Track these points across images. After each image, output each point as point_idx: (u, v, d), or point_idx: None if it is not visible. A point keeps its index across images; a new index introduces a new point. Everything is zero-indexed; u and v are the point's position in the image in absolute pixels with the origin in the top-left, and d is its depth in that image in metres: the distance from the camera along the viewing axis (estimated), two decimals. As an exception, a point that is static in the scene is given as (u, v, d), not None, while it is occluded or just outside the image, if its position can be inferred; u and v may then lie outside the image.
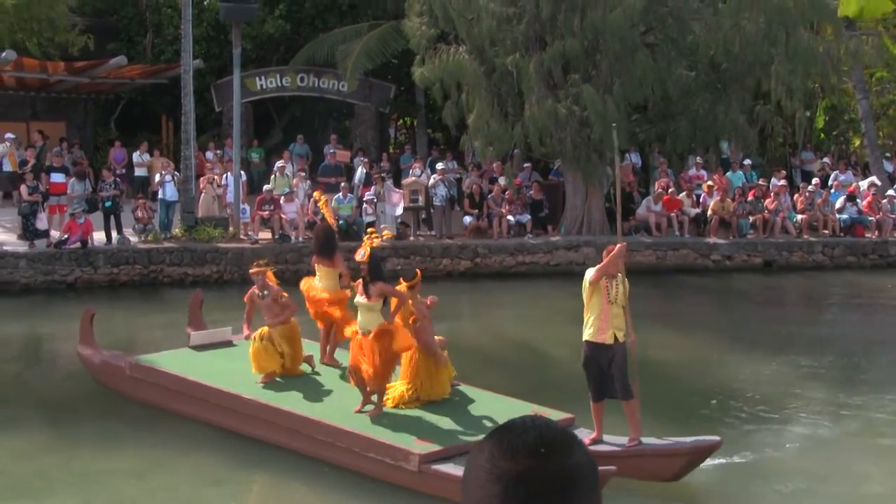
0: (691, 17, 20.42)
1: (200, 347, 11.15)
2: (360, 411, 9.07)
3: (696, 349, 14.19)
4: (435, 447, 8.31)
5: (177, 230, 18.95)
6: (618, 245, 8.50)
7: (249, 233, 19.25)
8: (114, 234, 18.34)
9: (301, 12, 25.76)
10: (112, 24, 25.94)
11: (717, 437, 8.45)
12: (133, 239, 18.49)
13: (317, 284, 10.50)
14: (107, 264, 17.73)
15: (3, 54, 20.21)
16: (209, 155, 23.05)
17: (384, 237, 9.83)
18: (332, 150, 23.09)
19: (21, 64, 21.27)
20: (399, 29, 22.49)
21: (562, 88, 19.97)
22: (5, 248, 17.64)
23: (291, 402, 9.49)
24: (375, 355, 8.85)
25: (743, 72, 20.60)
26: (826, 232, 21.36)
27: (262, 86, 25.35)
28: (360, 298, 9.09)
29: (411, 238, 20.08)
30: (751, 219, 21.09)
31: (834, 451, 9.86)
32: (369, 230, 9.78)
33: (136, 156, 22.63)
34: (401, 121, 30.85)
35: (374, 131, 26.82)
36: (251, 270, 10.79)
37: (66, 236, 17.71)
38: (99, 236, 18.15)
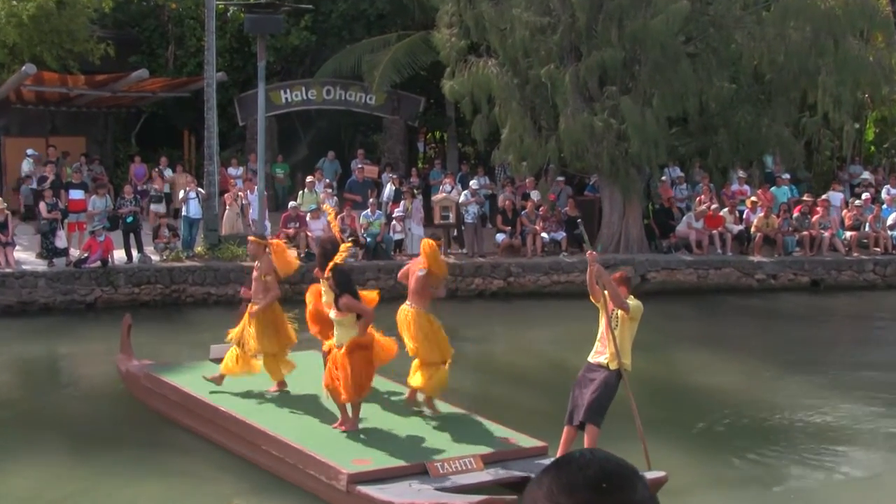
0: (734, 26, 19.69)
1: (219, 360, 11.25)
2: (338, 427, 9.12)
3: (739, 373, 13.62)
4: (367, 467, 8.15)
5: (199, 248, 18.38)
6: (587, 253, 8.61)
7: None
8: (134, 253, 17.79)
9: (327, 23, 25.17)
10: (133, 36, 25.46)
11: (663, 472, 8.04)
12: (154, 257, 17.92)
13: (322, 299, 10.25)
14: (128, 284, 17.20)
15: (24, 68, 19.80)
16: (232, 171, 22.52)
17: (347, 248, 9.68)
18: (359, 166, 22.46)
19: (41, 78, 20.78)
20: (428, 40, 21.90)
21: (598, 101, 19.28)
22: (24, 266, 17.15)
23: (262, 415, 9.54)
24: (347, 369, 8.78)
25: (788, 83, 19.91)
26: (877, 249, 20.55)
27: (286, 99, 24.78)
28: (332, 313, 9.06)
29: (442, 256, 19.36)
30: (797, 236, 20.26)
31: (888, 487, 9.35)
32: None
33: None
34: (430, 135, 30.22)
35: (403, 146, 26.15)
36: (250, 238, 11.14)
37: (85, 255, 17.17)
38: (119, 254, 17.62)
